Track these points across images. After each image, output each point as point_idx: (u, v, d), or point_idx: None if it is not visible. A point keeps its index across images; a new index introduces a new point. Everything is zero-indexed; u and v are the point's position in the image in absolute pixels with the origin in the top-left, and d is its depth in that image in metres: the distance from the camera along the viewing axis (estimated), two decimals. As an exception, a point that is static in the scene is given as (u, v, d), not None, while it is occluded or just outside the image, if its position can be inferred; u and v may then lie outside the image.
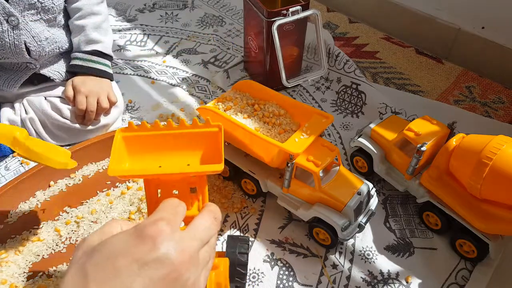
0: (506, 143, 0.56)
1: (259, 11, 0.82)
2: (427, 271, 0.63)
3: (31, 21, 0.73)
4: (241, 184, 0.72)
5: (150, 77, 0.98)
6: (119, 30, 1.14)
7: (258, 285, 0.61)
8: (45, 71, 0.79)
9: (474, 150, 0.58)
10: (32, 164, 0.76)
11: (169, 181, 0.42)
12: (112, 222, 0.35)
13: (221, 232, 0.67)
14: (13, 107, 0.79)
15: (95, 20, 0.83)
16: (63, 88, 0.80)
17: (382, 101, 0.87)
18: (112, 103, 0.81)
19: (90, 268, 0.29)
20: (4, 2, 0.69)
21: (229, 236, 0.55)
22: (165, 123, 0.43)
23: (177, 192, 0.42)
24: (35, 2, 0.72)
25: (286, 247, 0.65)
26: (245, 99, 0.69)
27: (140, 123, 0.43)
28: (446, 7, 1.01)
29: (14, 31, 0.71)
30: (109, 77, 0.84)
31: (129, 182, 0.71)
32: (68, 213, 0.68)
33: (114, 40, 1.08)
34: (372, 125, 0.73)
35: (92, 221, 0.66)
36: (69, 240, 0.64)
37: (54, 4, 0.76)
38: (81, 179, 0.73)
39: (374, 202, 0.64)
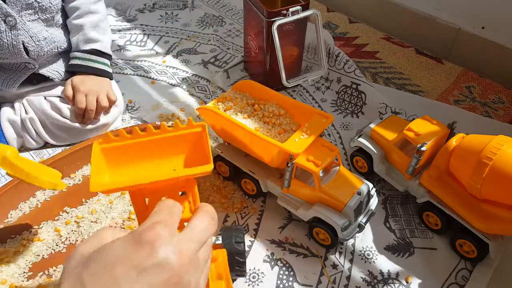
0: (506, 143, 0.56)
1: (259, 11, 0.82)
2: (427, 271, 0.63)
3: (29, 21, 0.73)
4: (241, 184, 0.72)
5: (150, 77, 0.98)
6: (119, 30, 1.14)
7: (258, 285, 0.61)
8: (44, 71, 0.79)
9: (474, 150, 0.58)
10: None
11: (156, 189, 0.40)
12: (104, 230, 0.34)
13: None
14: (13, 107, 0.79)
15: (93, 19, 0.82)
16: (63, 87, 0.80)
17: (382, 101, 0.87)
18: (111, 102, 0.81)
19: (87, 278, 0.29)
20: (1, 2, 0.69)
21: (223, 228, 0.55)
22: (152, 127, 0.41)
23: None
24: (32, 2, 0.72)
25: (286, 247, 0.65)
26: (245, 99, 0.69)
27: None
28: (446, 7, 1.01)
29: (12, 32, 0.71)
30: (109, 76, 0.84)
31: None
32: (68, 213, 0.68)
33: (114, 40, 1.08)
34: (372, 125, 0.73)
35: (92, 221, 0.66)
36: (69, 240, 0.64)
37: (51, 4, 0.76)
38: (81, 179, 0.73)
39: (374, 202, 0.64)
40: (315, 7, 1.06)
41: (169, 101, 0.92)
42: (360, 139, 0.73)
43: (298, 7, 0.81)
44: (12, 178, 0.69)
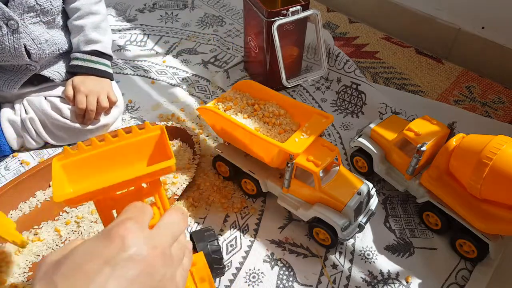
0: (506, 143, 0.56)
1: (259, 11, 0.82)
2: (427, 271, 0.63)
3: (31, 23, 0.73)
4: (241, 184, 0.72)
5: (150, 77, 0.98)
6: (119, 30, 1.14)
7: (258, 285, 0.61)
8: (45, 72, 0.79)
9: (474, 150, 0.58)
10: (32, 164, 0.76)
11: (122, 198, 0.39)
12: (74, 240, 0.33)
13: (221, 232, 0.67)
14: (13, 107, 0.79)
15: (94, 20, 0.82)
16: (63, 88, 0.80)
17: (382, 101, 0.87)
18: (112, 103, 0.81)
19: (59, 278, 0.28)
20: (3, 6, 0.68)
21: (192, 233, 0.56)
22: (115, 136, 0.40)
23: None
24: (34, 5, 0.72)
25: (286, 247, 0.65)
26: (245, 99, 0.69)
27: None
28: (446, 7, 1.01)
29: (14, 35, 0.71)
30: (109, 76, 0.84)
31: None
32: (68, 213, 0.68)
33: (114, 40, 1.08)
34: (372, 125, 0.73)
35: (92, 221, 0.66)
36: (69, 240, 0.64)
37: (52, 6, 0.75)
38: (81, 179, 0.73)
39: (374, 202, 0.64)
40: (315, 7, 1.06)
41: (169, 101, 0.92)
42: (360, 139, 0.73)
43: (298, 7, 0.81)
44: (15, 176, 0.69)
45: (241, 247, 0.65)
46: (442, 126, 0.67)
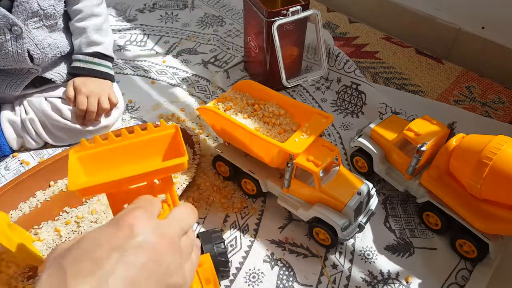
0: (506, 143, 0.56)
1: (259, 11, 0.82)
2: (427, 271, 0.63)
3: (34, 28, 0.73)
4: (241, 184, 0.72)
5: (150, 77, 0.98)
6: (119, 30, 1.14)
7: (258, 285, 0.61)
8: (46, 74, 0.79)
9: (474, 150, 0.58)
10: (32, 164, 0.76)
11: (134, 193, 0.39)
12: (84, 232, 0.33)
13: (221, 232, 0.67)
14: (13, 108, 0.79)
15: (96, 22, 0.82)
16: (64, 89, 0.80)
17: (382, 101, 0.87)
18: (113, 104, 0.81)
19: (67, 264, 0.28)
20: (6, 12, 0.68)
21: (199, 234, 0.56)
22: (133, 130, 0.41)
23: None
24: (38, 10, 0.72)
25: (286, 247, 0.65)
26: (245, 99, 0.69)
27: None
28: (446, 7, 1.01)
29: (18, 41, 0.71)
30: (110, 78, 0.84)
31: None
32: (68, 213, 0.68)
33: (114, 40, 1.08)
34: (372, 125, 0.73)
35: (92, 221, 0.66)
36: (69, 240, 0.64)
37: (55, 10, 0.75)
38: (81, 179, 0.73)
39: (374, 202, 0.64)
40: (315, 7, 1.06)
41: (169, 101, 0.92)
42: (360, 139, 0.73)
43: (298, 7, 0.81)
44: (15, 176, 0.69)
45: (241, 247, 0.65)
46: (442, 126, 0.67)
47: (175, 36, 1.12)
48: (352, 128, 0.86)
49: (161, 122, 0.42)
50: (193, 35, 1.12)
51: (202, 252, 0.54)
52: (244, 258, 0.64)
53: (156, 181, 0.42)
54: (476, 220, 0.59)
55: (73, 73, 0.81)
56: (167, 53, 1.06)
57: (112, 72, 0.85)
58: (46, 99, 0.79)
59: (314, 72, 0.92)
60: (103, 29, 0.84)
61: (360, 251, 0.65)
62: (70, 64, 0.82)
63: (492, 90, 0.96)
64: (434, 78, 0.99)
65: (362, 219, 0.62)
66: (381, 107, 0.86)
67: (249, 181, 0.69)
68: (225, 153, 0.71)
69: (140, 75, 0.99)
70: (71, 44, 0.83)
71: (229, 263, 0.56)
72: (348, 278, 0.62)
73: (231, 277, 0.62)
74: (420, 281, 0.61)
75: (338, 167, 0.64)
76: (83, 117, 0.78)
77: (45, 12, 0.73)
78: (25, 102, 0.78)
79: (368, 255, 0.64)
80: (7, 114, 0.77)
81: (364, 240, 0.66)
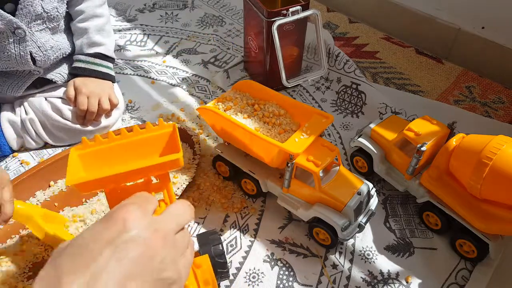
0: (506, 143, 0.56)
1: (259, 11, 0.82)
2: (427, 271, 0.63)
3: (37, 31, 0.73)
4: (241, 184, 0.72)
5: (150, 77, 0.98)
6: (119, 30, 1.14)
7: (258, 285, 0.61)
8: (48, 75, 0.79)
9: (474, 150, 0.58)
10: (32, 164, 0.76)
11: (131, 190, 0.40)
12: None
13: (221, 232, 0.67)
14: (13, 108, 0.79)
15: (98, 23, 0.82)
16: (64, 89, 0.80)
17: (382, 101, 0.87)
18: (113, 105, 0.81)
19: (62, 261, 0.28)
20: (10, 17, 0.68)
21: (198, 235, 0.56)
22: (130, 129, 0.42)
23: None
24: (41, 13, 0.72)
25: (286, 247, 0.65)
26: (245, 99, 0.69)
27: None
28: (446, 7, 1.01)
29: (21, 43, 0.71)
30: (111, 79, 0.84)
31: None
32: (68, 213, 0.68)
33: (114, 40, 1.08)
34: (372, 125, 0.73)
35: (92, 221, 0.66)
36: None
37: (58, 12, 0.75)
38: (81, 179, 0.73)
39: (374, 202, 0.64)
40: (315, 7, 1.06)
41: (169, 101, 0.92)
42: (360, 139, 0.73)
43: (298, 7, 0.81)
44: (15, 176, 0.69)
45: (241, 247, 0.65)
46: (442, 126, 0.67)
47: (175, 36, 1.12)
48: (352, 128, 0.86)
49: (159, 121, 0.43)
50: (193, 35, 1.12)
51: (200, 254, 0.54)
52: (244, 258, 0.64)
53: (154, 179, 0.42)
54: (476, 220, 0.59)
55: (74, 73, 0.81)
56: (167, 53, 1.06)
57: (113, 73, 0.85)
58: (46, 99, 0.79)
59: (314, 72, 0.92)
60: (105, 30, 0.84)
61: (360, 251, 0.65)
62: (71, 64, 0.82)
63: (492, 90, 0.96)
64: (434, 78, 0.99)
65: (362, 219, 0.62)
66: (381, 107, 0.86)
67: (249, 181, 0.69)
68: (225, 153, 0.71)
69: (140, 75, 0.99)
70: (73, 45, 0.83)
71: (228, 264, 0.56)
72: (348, 278, 0.62)
73: (231, 277, 0.62)
74: (420, 281, 0.61)
75: (338, 167, 0.64)
76: (83, 117, 0.78)
77: (49, 14, 0.73)
78: (25, 102, 0.78)
79: (368, 255, 0.64)
80: (7, 114, 0.77)
81: (364, 240, 0.66)
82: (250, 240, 0.66)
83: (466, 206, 0.60)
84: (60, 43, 0.79)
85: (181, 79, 0.98)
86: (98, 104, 0.78)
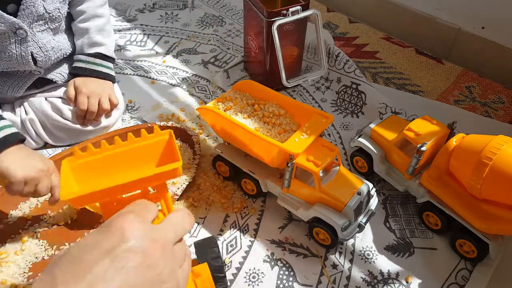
0: (506, 143, 0.56)
1: (259, 11, 0.82)
2: (427, 271, 0.63)
3: (38, 31, 0.73)
4: (241, 184, 0.72)
5: (150, 77, 0.98)
6: (119, 30, 1.14)
7: (258, 285, 0.61)
8: (48, 75, 0.79)
9: (474, 150, 0.58)
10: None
11: (128, 201, 0.38)
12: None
13: (221, 232, 0.67)
14: (13, 109, 0.79)
15: (99, 23, 0.82)
16: (65, 89, 0.80)
17: (382, 101, 0.87)
18: (113, 105, 0.81)
19: (58, 270, 0.28)
20: (12, 18, 0.68)
21: (195, 243, 0.54)
22: (132, 134, 0.40)
23: None
24: (43, 13, 0.72)
25: (286, 247, 0.65)
26: (245, 99, 0.69)
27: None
28: (446, 7, 1.01)
29: (22, 44, 0.71)
30: (111, 79, 0.84)
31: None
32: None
33: (115, 41, 1.08)
34: (372, 125, 0.73)
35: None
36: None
37: (60, 13, 0.75)
38: (81, 179, 0.73)
39: (374, 202, 0.64)
40: (315, 7, 1.06)
41: (169, 101, 0.92)
42: (360, 139, 0.73)
43: (298, 7, 0.81)
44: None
45: (241, 247, 0.65)
46: (442, 126, 0.67)
47: (175, 36, 1.12)
48: (352, 128, 0.86)
49: (155, 128, 0.41)
50: (193, 35, 1.12)
51: (198, 262, 0.53)
52: (244, 258, 0.64)
53: (150, 189, 0.41)
54: (476, 220, 0.59)
55: (74, 73, 0.81)
56: (167, 53, 1.06)
57: (113, 73, 0.85)
58: (46, 99, 0.79)
59: (314, 72, 0.92)
60: (106, 30, 0.84)
61: (360, 251, 0.65)
62: (71, 64, 0.82)
63: (492, 90, 0.96)
64: (434, 78, 0.99)
65: (362, 219, 0.62)
66: (381, 107, 0.86)
67: (249, 181, 0.69)
68: (225, 153, 0.71)
69: (140, 75, 0.99)
70: (73, 46, 0.83)
71: (225, 277, 0.55)
72: (348, 278, 0.62)
73: (231, 277, 0.62)
74: (420, 281, 0.61)
75: (338, 167, 0.64)
76: (84, 117, 0.78)
77: (51, 15, 0.73)
78: (25, 102, 0.78)
79: (368, 255, 0.64)
80: (7, 114, 0.77)
81: (364, 240, 0.66)
82: (250, 240, 0.66)
83: (466, 206, 0.60)
84: (61, 43, 0.79)
85: (181, 79, 0.98)
86: (98, 104, 0.78)
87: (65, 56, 0.81)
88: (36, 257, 0.62)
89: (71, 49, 0.82)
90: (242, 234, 0.67)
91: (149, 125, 0.78)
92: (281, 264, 0.63)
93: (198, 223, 0.68)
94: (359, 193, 0.60)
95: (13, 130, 0.62)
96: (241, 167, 0.69)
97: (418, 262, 0.64)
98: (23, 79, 0.77)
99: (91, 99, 0.77)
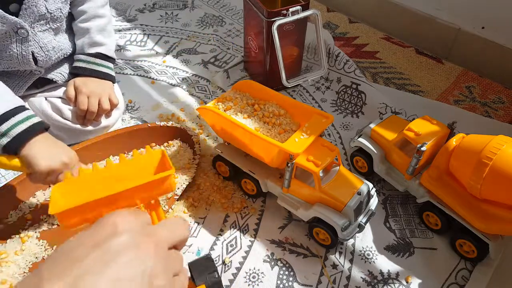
0: (506, 143, 0.56)
1: (259, 11, 0.82)
2: (427, 271, 0.63)
3: (40, 31, 0.73)
4: (241, 184, 0.72)
5: (150, 77, 0.98)
6: (119, 30, 1.14)
7: (258, 285, 0.61)
8: (48, 75, 0.79)
9: (474, 150, 0.58)
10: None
11: None
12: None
13: (221, 232, 0.67)
14: (13, 108, 0.79)
15: (100, 23, 0.83)
16: (65, 88, 0.80)
17: (382, 101, 0.87)
18: (113, 105, 0.81)
19: (44, 268, 0.26)
20: (14, 18, 0.68)
21: (190, 264, 0.52)
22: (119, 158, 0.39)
23: None
24: (45, 13, 0.72)
25: (286, 247, 0.65)
26: (245, 99, 0.69)
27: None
28: (446, 7, 1.01)
29: (23, 43, 0.71)
30: (112, 79, 0.84)
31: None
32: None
33: (115, 41, 1.08)
34: (372, 125, 0.73)
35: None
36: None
37: (62, 13, 0.75)
38: (81, 179, 0.73)
39: (374, 202, 0.64)
40: (315, 7, 1.06)
41: (169, 101, 0.92)
42: (360, 139, 0.73)
43: (298, 7, 0.81)
44: (15, 176, 0.69)
45: (241, 247, 0.65)
46: (442, 126, 0.67)
47: (175, 36, 1.12)
48: (352, 128, 0.86)
49: (146, 149, 0.41)
50: (193, 35, 1.12)
51: (195, 283, 0.52)
52: (244, 258, 0.64)
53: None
54: (476, 220, 0.59)
55: (75, 73, 0.81)
56: (167, 53, 1.06)
57: (113, 73, 0.85)
58: (46, 99, 0.79)
59: (314, 72, 0.92)
60: (106, 30, 0.84)
61: (360, 251, 0.65)
62: (71, 64, 0.82)
63: (492, 90, 0.96)
64: (434, 78, 0.99)
65: (362, 219, 0.62)
66: (381, 107, 0.86)
67: (249, 181, 0.69)
68: (225, 153, 0.71)
69: (140, 75, 0.99)
70: (74, 46, 0.83)
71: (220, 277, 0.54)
72: (348, 278, 0.62)
73: (231, 277, 0.62)
74: (420, 281, 0.61)
75: (338, 167, 0.64)
76: (84, 117, 0.78)
77: (52, 15, 0.73)
78: (25, 102, 0.78)
79: (368, 255, 0.64)
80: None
81: (364, 240, 0.66)
82: (250, 240, 0.66)
83: (466, 206, 0.60)
84: (62, 43, 0.79)
85: (181, 79, 0.98)
86: (98, 104, 0.78)
87: (65, 56, 0.81)
88: (36, 257, 0.62)
89: (71, 49, 0.82)
90: (242, 234, 0.67)
91: (149, 125, 0.78)
92: (281, 264, 0.63)
93: (198, 223, 0.68)
94: (359, 193, 0.60)
95: (38, 119, 0.64)
96: (241, 167, 0.69)
97: (418, 262, 0.64)
98: (23, 79, 0.77)
99: (91, 99, 0.77)
